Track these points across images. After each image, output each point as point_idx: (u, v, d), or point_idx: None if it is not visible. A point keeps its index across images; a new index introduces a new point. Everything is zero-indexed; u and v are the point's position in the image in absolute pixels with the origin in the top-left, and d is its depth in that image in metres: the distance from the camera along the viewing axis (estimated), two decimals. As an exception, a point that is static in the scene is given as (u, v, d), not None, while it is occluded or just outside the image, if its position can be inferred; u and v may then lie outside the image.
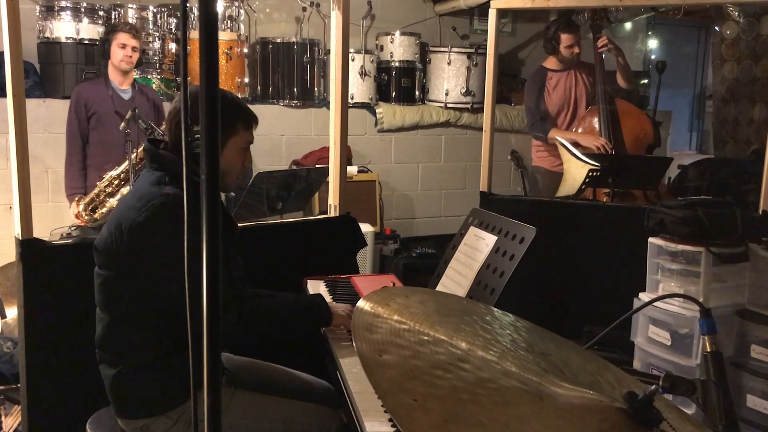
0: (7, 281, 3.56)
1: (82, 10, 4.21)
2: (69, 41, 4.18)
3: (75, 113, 3.81)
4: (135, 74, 4.27)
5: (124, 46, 3.78)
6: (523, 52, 6.07)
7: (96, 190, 3.70)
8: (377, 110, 5.14)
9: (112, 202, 3.68)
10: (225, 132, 1.90)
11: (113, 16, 4.33)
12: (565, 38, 4.14)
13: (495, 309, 1.22)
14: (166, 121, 2.00)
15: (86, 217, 3.70)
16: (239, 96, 4.50)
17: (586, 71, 4.26)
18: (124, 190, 3.69)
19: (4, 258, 3.62)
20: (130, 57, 3.80)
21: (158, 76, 4.38)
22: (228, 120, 1.91)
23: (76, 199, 3.75)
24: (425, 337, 0.97)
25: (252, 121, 1.99)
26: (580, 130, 4.20)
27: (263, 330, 1.94)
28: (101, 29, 4.24)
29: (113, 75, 3.87)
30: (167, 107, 4.02)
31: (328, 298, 2.33)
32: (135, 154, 3.67)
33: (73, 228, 3.79)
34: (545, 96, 4.26)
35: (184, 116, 0.89)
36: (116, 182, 3.70)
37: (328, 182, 3.02)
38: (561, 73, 4.26)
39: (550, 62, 4.29)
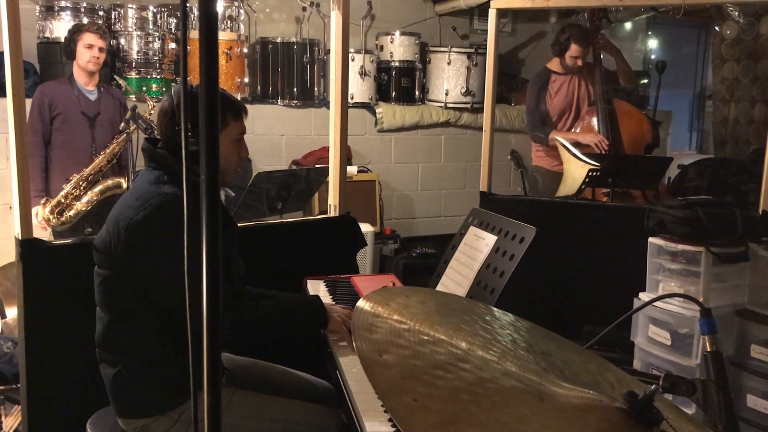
0: (7, 281, 3.56)
1: (82, 10, 4.21)
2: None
3: (38, 113, 3.64)
4: (134, 75, 4.28)
5: (91, 47, 3.64)
6: (523, 52, 6.07)
7: (63, 193, 3.58)
8: (377, 110, 5.14)
9: (80, 205, 3.60)
10: None
11: (113, 16, 4.33)
12: (574, 49, 4.11)
13: (495, 309, 1.22)
14: (156, 120, 2.00)
15: (54, 221, 3.56)
16: (239, 96, 4.50)
17: (589, 73, 4.25)
18: (92, 193, 3.62)
19: (4, 258, 3.61)
20: (98, 58, 3.67)
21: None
22: None
23: (42, 202, 3.59)
24: (425, 337, 0.97)
25: (241, 111, 1.97)
26: (578, 130, 4.19)
27: (259, 331, 1.93)
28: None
29: (78, 75, 3.72)
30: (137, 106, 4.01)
31: (328, 298, 2.33)
32: (101, 157, 3.62)
33: (72, 228, 3.77)
34: (547, 98, 4.25)
35: (184, 116, 0.89)
36: (83, 185, 3.60)
37: (328, 182, 3.02)
38: (564, 76, 4.24)
39: (554, 64, 4.28)
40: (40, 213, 3.57)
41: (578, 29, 4.19)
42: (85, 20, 4.14)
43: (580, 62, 4.14)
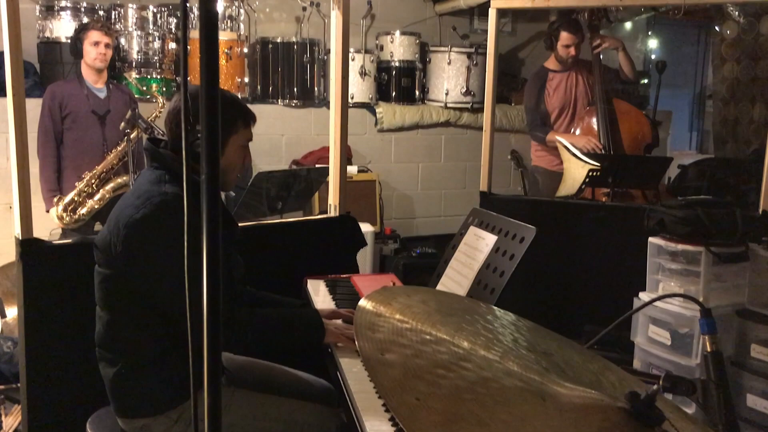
0: (7, 281, 3.56)
1: (82, 10, 4.21)
2: (69, 41, 4.17)
3: (49, 113, 3.70)
4: (134, 75, 4.28)
5: (97, 44, 3.69)
6: (523, 52, 6.07)
7: (76, 191, 3.64)
8: (377, 110, 5.14)
9: (92, 202, 3.65)
10: (226, 131, 1.91)
11: (113, 16, 4.33)
12: (564, 36, 4.12)
13: (496, 308, 1.22)
14: (165, 121, 2.00)
15: (67, 219, 3.62)
16: (239, 96, 4.50)
17: (588, 71, 4.25)
18: (104, 191, 3.66)
19: (4, 258, 3.62)
20: (104, 54, 3.72)
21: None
22: (228, 119, 1.92)
23: (55, 200, 3.66)
24: (427, 337, 0.97)
25: (251, 118, 2.00)
26: (578, 131, 4.19)
27: (252, 337, 1.91)
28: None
29: (87, 74, 3.77)
30: (143, 105, 4.05)
31: (328, 298, 2.33)
32: (113, 155, 3.66)
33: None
34: (546, 96, 4.26)
35: (185, 116, 0.89)
36: (95, 182, 3.65)
37: (328, 182, 3.02)
38: (562, 73, 4.25)
39: (551, 62, 4.29)
40: (55, 211, 3.66)
41: (567, 17, 4.19)
42: (86, 20, 4.15)
43: (572, 51, 4.13)
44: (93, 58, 3.70)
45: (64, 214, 3.63)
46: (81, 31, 3.76)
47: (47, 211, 3.71)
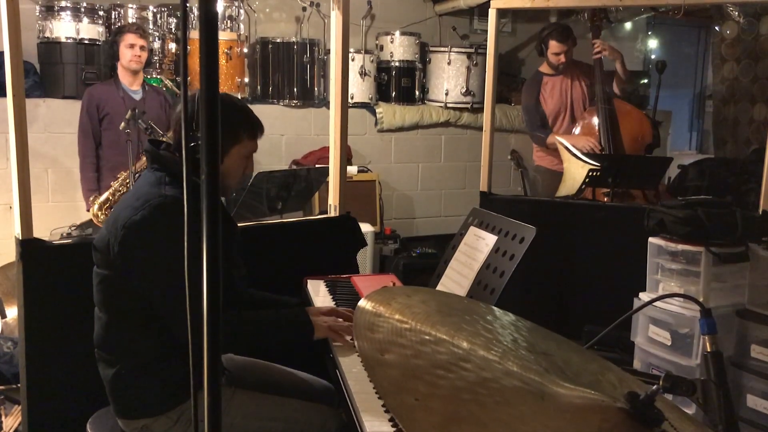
0: (7, 281, 3.56)
1: (82, 10, 4.21)
2: (69, 41, 4.18)
3: (87, 115, 3.85)
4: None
5: (132, 46, 3.82)
6: (523, 52, 6.08)
7: (111, 190, 3.75)
8: (377, 110, 5.14)
9: None
10: (229, 139, 1.89)
11: (113, 16, 4.33)
12: (552, 45, 4.14)
13: (496, 308, 1.22)
14: (172, 123, 2.00)
15: (102, 217, 3.73)
16: (239, 96, 4.50)
17: (583, 73, 4.26)
18: None
19: (4, 258, 3.62)
20: (139, 56, 3.85)
21: (166, 77, 4.38)
22: (234, 128, 1.90)
23: (91, 199, 3.80)
24: (427, 337, 0.97)
25: (258, 130, 1.97)
26: (578, 131, 4.20)
27: (242, 344, 1.92)
28: (101, 29, 4.25)
29: (123, 76, 3.91)
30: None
31: (328, 298, 2.32)
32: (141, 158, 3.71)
33: (72, 228, 3.80)
34: (542, 100, 4.27)
35: (184, 116, 0.89)
36: (129, 182, 3.74)
37: (328, 182, 3.02)
38: (556, 77, 4.26)
39: (545, 66, 4.31)
40: (91, 210, 3.80)
41: (557, 26, 4.25)
42: (86, 20, 4.19)
43: (562, 58, 4.15)
44: (128, 60, 3.84)
45: (99, 213, 3.75)
46: (117, 33, 3.90)
47: (88, 210, 3.84)
